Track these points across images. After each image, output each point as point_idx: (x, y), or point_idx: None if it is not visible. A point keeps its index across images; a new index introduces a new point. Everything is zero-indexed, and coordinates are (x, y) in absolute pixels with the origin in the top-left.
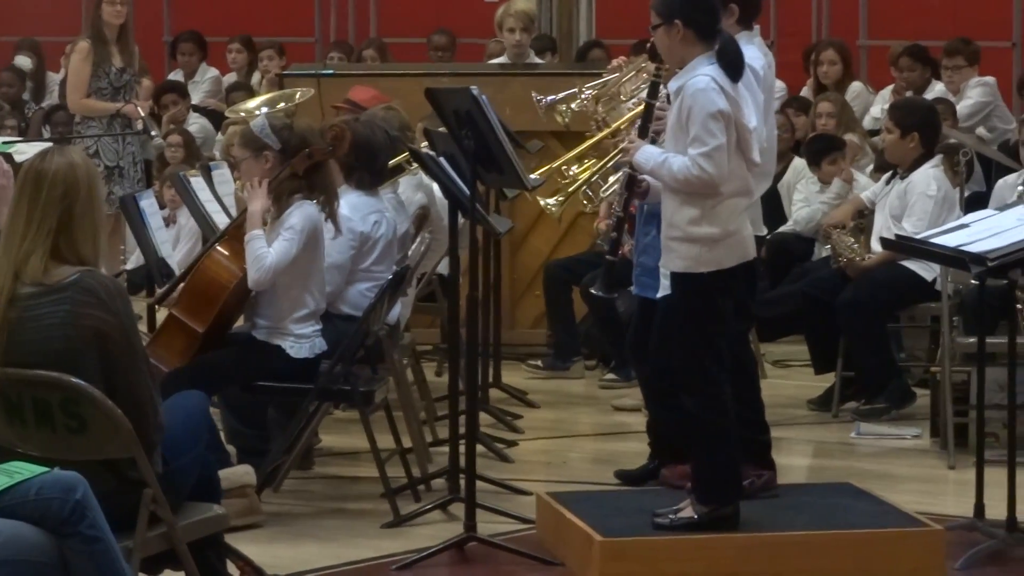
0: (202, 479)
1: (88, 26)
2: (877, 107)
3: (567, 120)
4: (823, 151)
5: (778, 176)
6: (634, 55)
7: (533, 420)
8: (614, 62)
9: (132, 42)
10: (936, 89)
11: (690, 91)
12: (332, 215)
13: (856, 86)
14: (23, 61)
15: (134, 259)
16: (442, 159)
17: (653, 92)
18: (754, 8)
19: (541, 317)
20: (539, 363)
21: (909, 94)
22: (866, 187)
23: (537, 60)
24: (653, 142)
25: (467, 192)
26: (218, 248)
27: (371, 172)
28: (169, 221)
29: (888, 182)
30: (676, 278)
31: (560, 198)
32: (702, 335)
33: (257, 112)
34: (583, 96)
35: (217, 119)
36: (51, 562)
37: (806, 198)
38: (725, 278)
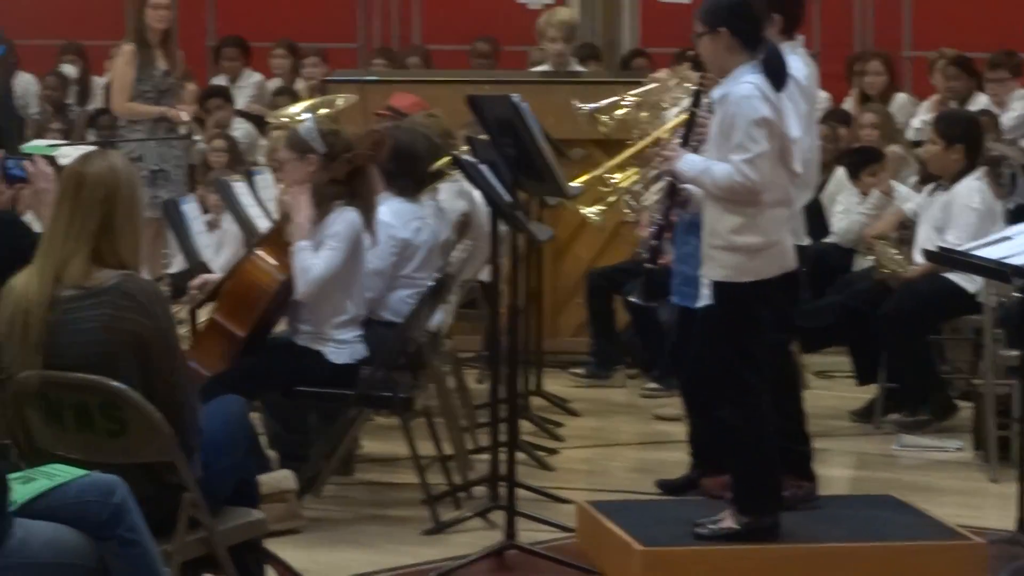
0: (241, 484)
1: (132, 30)
2: (919, 118)
3: (609, 129)
4: (862, 162)
5: (821, 187)
6: (677, 64)
7: (575, 428)
8: (658, 73)
9: (176, 46)
10: (980, 101)
11: (733, 98)
12: (370, 223)
13: (900, 97)
14: (68, 69)
15: (177, 263)
16: (483, 166)
17: (696, 101)
18: (797, 18)
19: (583, 325)
20: (581, 371)
21: (953, 105)
22: (908, 198)
23: (580, 68)
24: (695, 151)
25: (508, 199)
26: (259, 252)
27: (412, 179)
28: (213, 226)
29: (931, 194)
30: (716, 287)
31: (601, 206)
32: (741, 345)
33: (300, 117)
34: (625, 105)
35: (261, 124)
36: (90, 565)
37: (846, 209)
38: (765, 288)
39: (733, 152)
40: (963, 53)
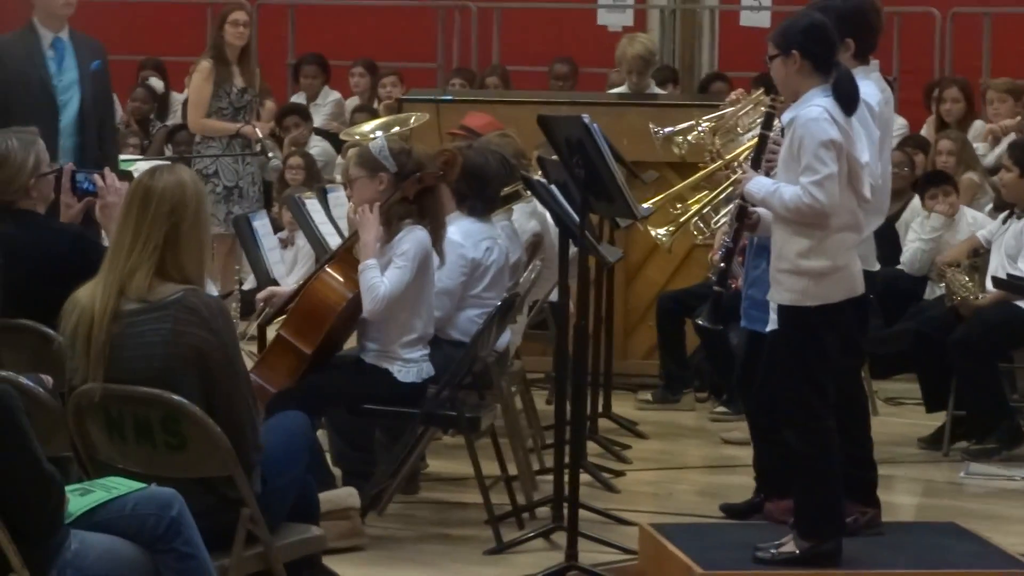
0: (301, 500)
1: (211, 46)
2: (981, 144)
3: (683, 152)
4: (929, 185)
5: (897, 214)
6: (755, 88)
7: (642, 451)
8: (732, 95)
9: (254, 63)
10: None
11: (802, 121)
12: (437, 243)
13: (978, 124)
14: (156, 83)
15: (250, 280)
16: (553, 187)
17: (768, 123)
18: (870, 43)
19: (654, 348)
20: (649, 397)
21: None
22: (983, 225)
23: (658, 91)
24: (767, 174)
25: (577, 220)
26: (327, 270)
27: (482, 199)
28: (287, 243)
29: (1005, 221)
30: (783, 311)
31: (671, 228)
32: (806, 369)
33: (372, 136)
34: (700, 128)
35: (339, 142)
36: None
37: (916, 237)
38: (832, 313)
39: (801, 174)
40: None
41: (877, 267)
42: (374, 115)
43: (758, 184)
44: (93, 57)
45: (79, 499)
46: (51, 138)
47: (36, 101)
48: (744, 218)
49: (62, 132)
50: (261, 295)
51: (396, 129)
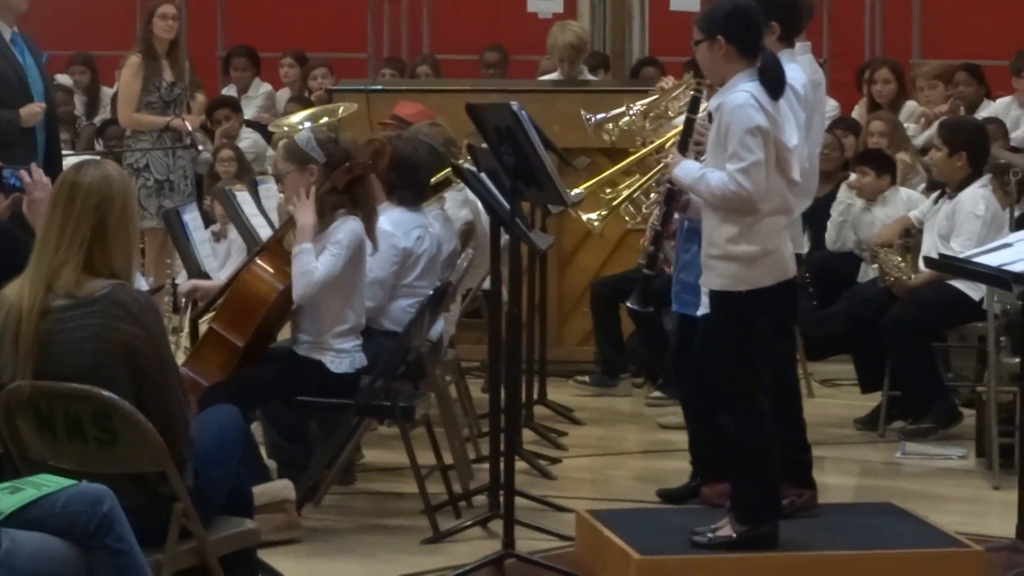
0: (234, 493)
1: (140, 40)
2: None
3: (614, 138)
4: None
5: (831, 196)
6: (686, 73)
7: (579, 437)
8: (662, 82)
9: (184, 56)
10: (989, 108)
11: (728, 107)
12: (370, 231)
13: (910, 105)
14: (66, 79)
15: (184, 275)
16: (483, 175)
17: (694, 107)
18: (796, 26)
19: (589, 334)
20: (587, 379)
21: (962, 111)
22: (918, 204)
23: (590, 77)
24: (696, 158)
25: (508, 208)
26: (258, 262)
27: (412, 189)
28: (220, 236)
29: (936, 201)
30: (715, 296)
31: (603, 213)
32: (740, 354)
33: (300, 127)
34: (631, 114)
35: (269, 134)
36: (78, 575)
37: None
38: (764, 297)
39: (728, 161)
40: (972, 61)
41: (806, 249)
42: (307, 106)
43: (685, 169)
44: (39, 52)
45: (9, 497)
46: (27, 142)
47: (15, 96)
48: (673, 201)
49: (37, 126)
50: (183, 287)
51: (325, 120)
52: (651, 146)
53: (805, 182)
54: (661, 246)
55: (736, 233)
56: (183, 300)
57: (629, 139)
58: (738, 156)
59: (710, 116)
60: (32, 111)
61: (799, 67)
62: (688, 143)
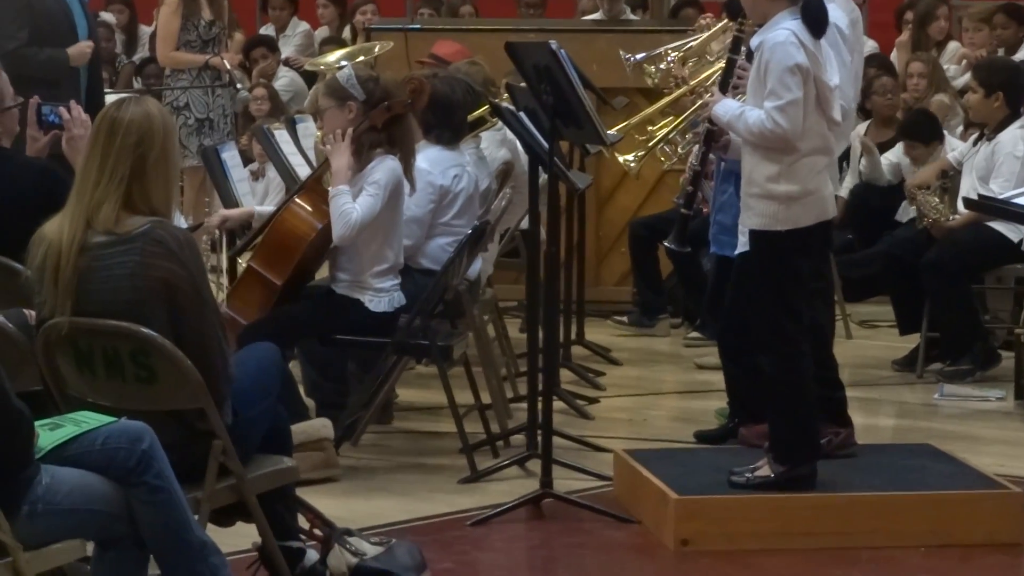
0: (273, 431)
1: None
2: (953, 67)
3: (655, 80)
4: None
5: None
6: (725, 12)
7: (616, 377)
8: (701, 20)
9: None
10: None
11: (769, 45)
12: (408, 170)
13: (953, 46)
14: (109, 16)
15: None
16: (522, 114)
17: (735, 47)
18: None
19: (627, 274)
20: (624, 319)
21: (1001, 52)
22: (956, 148)
23: (631, 17)
24: (734, 97)
25: (546, 147)
26: (297, 200)
27: (449, 128)
28: (258, 175)
29: (975, 143)
30: (753, 235)
31: (639, 154)
32: (779, 293)
33: (338, 66)
34: (670, 56)
35: (307, 73)
36: (117, 512)
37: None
38: (803, 236)
39: (766, 99)
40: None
41: (839, 190)
42: (342, 46)
43: (724, 107)
44: None
45: (49, 434)
46: (73, 80)
47: (62, 34)
48: (712, 141)
49: (81, 72)
50: (213, 220)
51: (361, 58)
52: (686, 87)
53: (844, 124)
54: (700, 186)
55: (776, 172)
56: (216, 232)
57: (669, 80)
58: (776, 94)
59: (749, 56)
60: (81, 50)
61: (840, 6)
62: (728, 83)
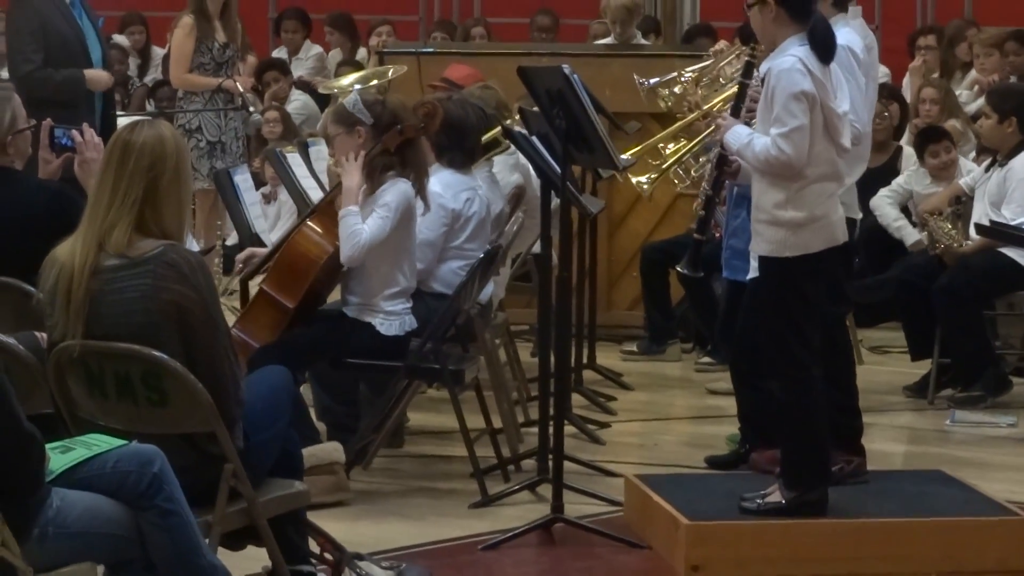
0: (284, 455)
1: (192, 1)
2: (965, 92)
3: (669, 103)
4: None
5: (887, 167)
6: (736, 39)
7: (627, 402)
8: (716, 46)
9: (235, 18)
10: None
11: (775, 71)
12: (422, 191)
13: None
14: (123, 39)
15: (234, 235)
16: (534, 138)
17: (747, 72)
18: None
19: (638, 299)
20: (634, 347)
21: (1013, 79)
22: (970, 172)
23: (643, 41)
24: (747, 123)
25: (559, 171)
26: (309, 223)
27: (462, 151)
28: (270, 198)
29: (988, 169)
30: (763, 261)
31: (652, 176)
32: (789, 319)
33: (350, 89)
34: (684, 79)
35: (320, 96)
36: (128, 535)
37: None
38: (812, 262)
39: (771, 125)
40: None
41: (860, 215)
42: (358, 69)
43: (735, 134)
44: (95, 15)
45: (60, 456)
46: (88, 102)
47: (77, 60)
48: (724, 166)
49: (95, 95)
50: (240, 256)
51: (375, 82)
52: (698, 111)
53: (862, 147)
54: (712, 211)
55: (783, 199)
56: (239, 265)
57: (683, 104)
58: (781, 121)
59: (762, 81)
60: (99, 77)
61: (854, 31)
62: (741, 108)
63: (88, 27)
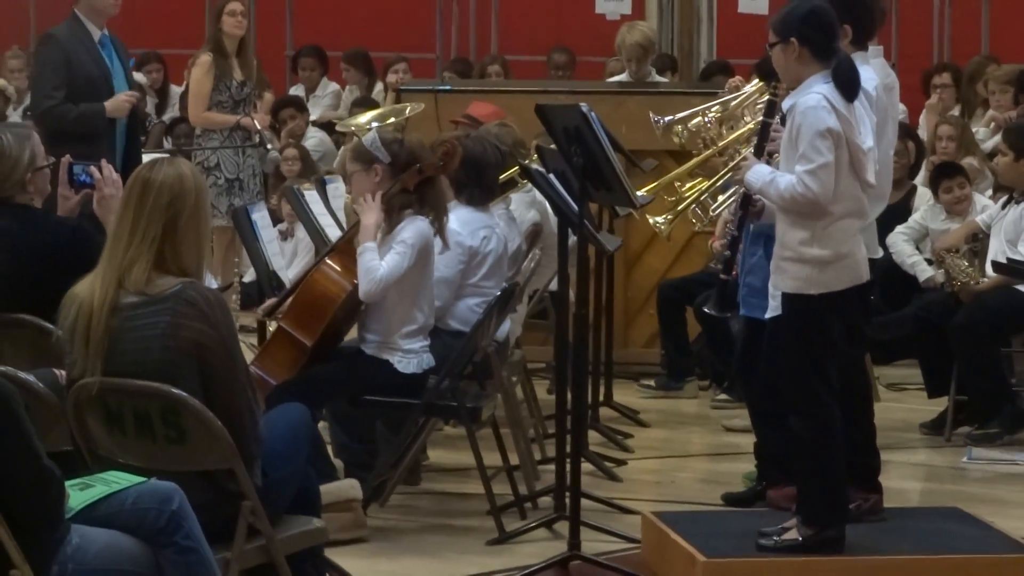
0: (303, 492)
1: (210, 38)
2: (982, 129)
3: (683, 140)
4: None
5: (902, 205)
6: (753, 76)
7: (644, 439)
8: (731, 81)
9: (252, 55)
10: None
11: (801, 108)
12: (441, 230)
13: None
14: (141, 77)
15: (251, 273)
16: (552, 176)
17: (770, 111)
18: (869, 29)
19: (655, 336)
20: (652, 383)
21: None
22: (986, 209)
23: (659, 79)
24: (768, 162)
25: (576, 209)
26: (328, 261)
27: (480, 188)
28: (287, 235)
29: (1004, 206)
30: (786, 299)
31: (669, 216)
32: (811, 357)
33: (368, 127)
34: (705, 118)
35: (337, 133)
36: (146, 572)
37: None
38: (836, 300)
39: (797, 163)
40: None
41: (880, 254)
42: (373, 107)
43: (756, 174)
44: (127, 55)
45: (79, 494)
46: (110, 137)
47: (102, 98)
48: (748, 206)
49: (118, 132)
50: (265, 305)
51: (392, 120)
52: (714, 148)
53: (879, 185)
54: (737, 251)
55: (808, 236)
56: (261, 315)
57: (697, 140)
58: (807, 158)
59: (783, 119)
60: (119, 103)
61: (871, 69)
62: (763, 147)
63: (118, 68)
